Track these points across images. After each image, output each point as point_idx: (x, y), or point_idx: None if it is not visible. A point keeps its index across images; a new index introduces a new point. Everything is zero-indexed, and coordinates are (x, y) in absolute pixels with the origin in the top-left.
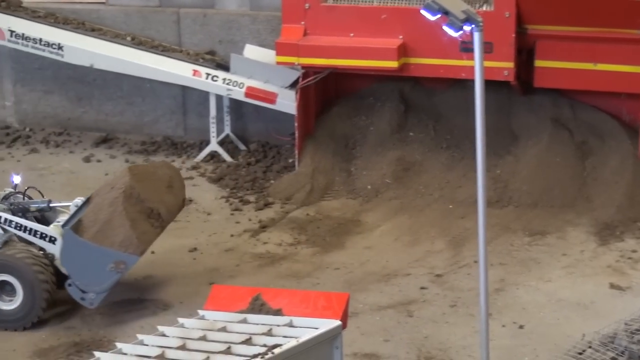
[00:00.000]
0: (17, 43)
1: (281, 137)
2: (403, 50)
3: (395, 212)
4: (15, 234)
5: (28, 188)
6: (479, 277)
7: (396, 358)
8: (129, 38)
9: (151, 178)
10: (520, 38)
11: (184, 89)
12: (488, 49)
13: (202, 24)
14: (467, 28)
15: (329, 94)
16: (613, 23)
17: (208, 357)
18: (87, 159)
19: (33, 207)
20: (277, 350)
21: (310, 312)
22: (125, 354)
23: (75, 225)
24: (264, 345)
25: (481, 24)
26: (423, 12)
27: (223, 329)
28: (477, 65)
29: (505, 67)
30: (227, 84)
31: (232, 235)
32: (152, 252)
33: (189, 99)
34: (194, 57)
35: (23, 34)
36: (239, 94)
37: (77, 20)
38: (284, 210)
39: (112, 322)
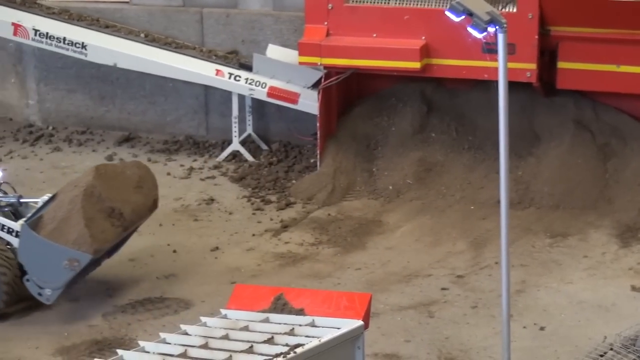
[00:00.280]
0: (41, 42)
1: (303, 137)
2: (425, 51)
3: (417, 213)
4: None
5: (2, 184)
6: (500, 279)
7: (417, 359)
8: (142, 35)
9: (118, 177)
10: (543, 39)
11: (207, 88)
12: (511, 50)
13: (225, 24)
14: (491, 29)
15: (351, 94)
16: (636, 25)
17: (230, 356)
18: (109, 158)
19: (3, 201)
20: (299, 350)
21: (332, 312)
22: (148, 352)
23: (35, 222)
24: (286, 345)
25: (505, 25)
26: (447, 13)
27: (245, 328)
28: (500, 67)
29: (528, 68)
30: (250, 83)
31: (253, 235)
32: (174, 251)
33: (212, 99)
34: (217, 57)
35: (47, 33)
36: (261, 94)
37: (92, 17)
38: (306, 210)
39: (134, 321)
